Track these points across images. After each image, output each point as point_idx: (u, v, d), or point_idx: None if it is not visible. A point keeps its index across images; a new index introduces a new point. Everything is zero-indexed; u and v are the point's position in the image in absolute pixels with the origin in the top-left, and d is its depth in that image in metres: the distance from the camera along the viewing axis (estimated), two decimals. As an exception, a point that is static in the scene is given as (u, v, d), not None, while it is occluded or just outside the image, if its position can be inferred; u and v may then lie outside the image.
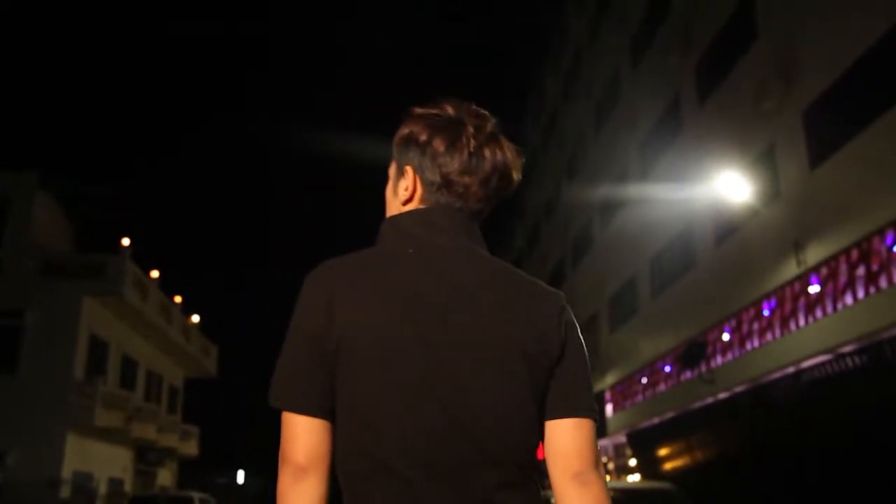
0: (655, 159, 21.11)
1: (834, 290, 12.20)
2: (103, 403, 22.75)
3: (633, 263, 22.62)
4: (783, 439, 13.91)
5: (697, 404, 17.64)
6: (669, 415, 19.41)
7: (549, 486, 1.51)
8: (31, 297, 22.84)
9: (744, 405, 15.64)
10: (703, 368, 16.93)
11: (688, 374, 17.86)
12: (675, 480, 18.14)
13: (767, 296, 14.29)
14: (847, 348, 12.06)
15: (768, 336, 14.31)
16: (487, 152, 1.55)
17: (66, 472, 22.02)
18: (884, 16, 11.49)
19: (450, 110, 1.59)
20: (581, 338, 1.56)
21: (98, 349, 24.56)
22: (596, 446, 1.50)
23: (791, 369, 13.68)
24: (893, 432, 10.79)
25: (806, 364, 13.22)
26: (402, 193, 1.59)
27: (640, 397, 21.62)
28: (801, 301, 13.18)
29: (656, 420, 20.33)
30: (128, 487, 26.56)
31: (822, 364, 12.81)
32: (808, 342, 12.90)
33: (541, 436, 1.48)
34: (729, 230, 16.25)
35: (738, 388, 15.65)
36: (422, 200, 1.57)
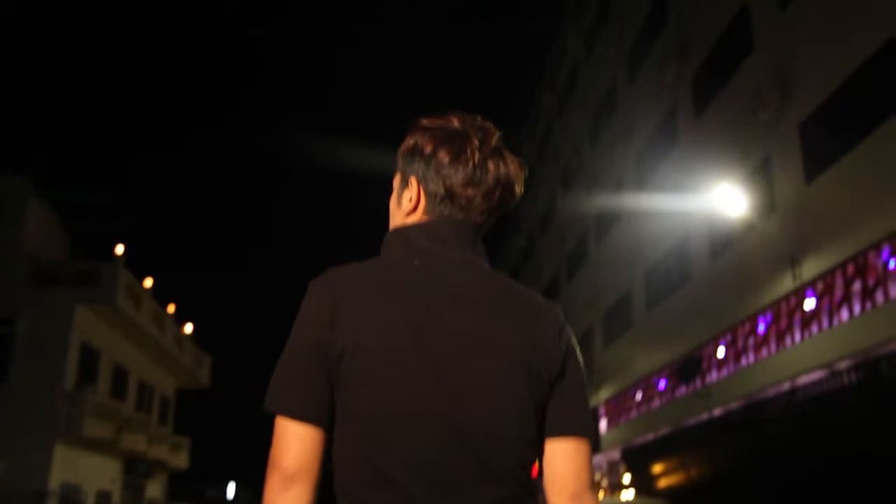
0: (651, 172, 21.03)
1: (830, 306, 12.08)
2: (93, 413, 22.53)
3: (628, 277, 22.52)
4: (778, 456, 13.77)
5: (692, 420, 17.49)
6: (664, 431, 19.26)
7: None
8: (22, 305, 22.67)
9: (739, 421, 15.50)
10: (698, 384, 16.79)
11: (682, 390, 17.72)
12: (670, 497, 18.02)
13: (763, 310, 14.17)
14: (843, 364, 11.93)
15: (764, 352, 14.18)
16: (491, 165, 1.56)
17: (54, 483, 21.77)
18: (879, 30, 11.43)
19: (455, 123, 1.60)
20: (580, 357, 1.58)
21: (89, 358, 24.35)
22: (591, 467, 1.53)
23: (786, 385, 13.56)
24: (889, 449, 10.66)
25: (801, 380, 13.10)
26: (406, 204, 1.60)
27: (634, 413, 21.46)
28: (797, 316, 13.06)
29: (651, 436, 20.18)
30: (116, 500, 26.31)
31: (818, 380, 12.68)
32: (804, 358, 12.78)
33: (538, 452, 1.49)
34: (724, 244, 16.15)
35: (733, 405, 15.51)
36: (425, 212, 1.57)
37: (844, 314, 11.69)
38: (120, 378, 27.13)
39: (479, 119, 1.62)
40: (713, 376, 16.22)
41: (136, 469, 27.73)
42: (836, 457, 12.03)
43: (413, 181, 1.59)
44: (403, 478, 1.35)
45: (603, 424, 24.27)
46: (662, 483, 19.77)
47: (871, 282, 11.06)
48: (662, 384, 19.19)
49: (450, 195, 1.55)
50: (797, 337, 13.03)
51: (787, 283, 13.36)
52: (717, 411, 16.22)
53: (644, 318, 21.28)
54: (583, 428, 1.52)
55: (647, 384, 20.35)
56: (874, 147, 11.38)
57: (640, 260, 21.51)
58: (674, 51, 19.45)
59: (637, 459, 21.71)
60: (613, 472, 25.20)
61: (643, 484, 21.03)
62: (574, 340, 1.57)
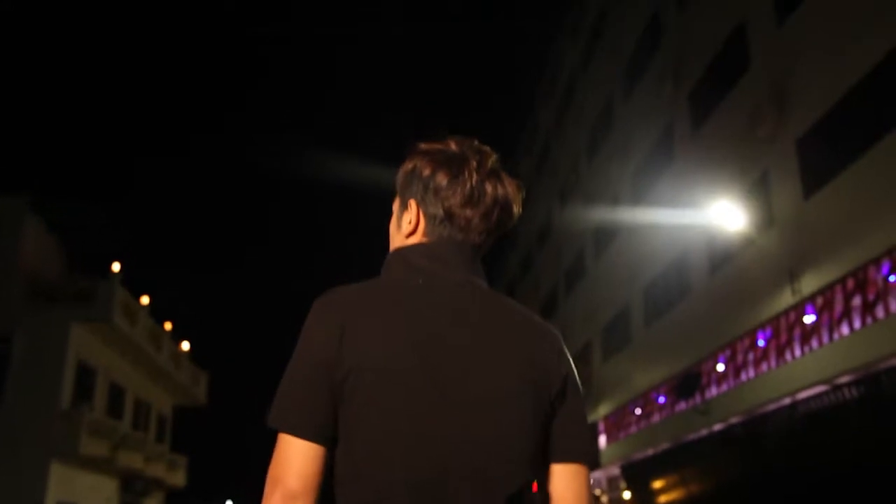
0: (649, 187, 21.04)
1: (830, 320, 12.06)
2: (89, 432, 22.41)
3: (627, 292, 22.49)
4: (779, 471, 13.72)
5: (692, 436, 17.42)
6: (664, 446, 19.18)
7: None
8: (18, 323, 22.61)
9: (739, 437, 15.45)
10: (698, 399, 16.73)
11: (682, 405, 17.66)
12: (669, 513, 17.96)
13: (762, 325, 14.14)
14: (843, 379, 11.89)
15: (763, 366, 14.14)
16: (489, 187, 1.59)
17: (50, 502, 21.61)
18: (877, 45, 11.45)
19: (453, 146, 1.63)
20: (578, 380, 1.60)
21: (85, 376, 24.25)
22: (590, 490, 1.56)
23: (787, 400, 13.51)
24: (891, 463, 10.61)
25: (802, 395, 13.05)
26: (406, 226, 1.62)
27: (633, 428, 21.38)
28: (797, 331, 13.03)
29: (650, 452, 20.10)
30: (113, 518, 26.14)
31: (819, 395, 12.64)
32: (804, 373, 12.74)
33: (539, 472, 1.50)
34: (723, 259, 16.13)
35: (733, 420, 15.46)
36: (425, 233, 1.60)
37: (845, 329, 11.66)
38: (116, 396, 27.01)
39: (476, 142, 1.65)
40: (713, 391, 16.17)
41: (133, 487, 27.56)
42: (837, 472, 11.98)
43: (412, 204, 1.62)
44: (404, 498, 1.36)
45: (602, 440, 24.17)
46: (662, 499, 19.68)
47: (871, 296, 11.04)
48: (662, 399, 19.13)
49: (449, 216, 1.57)
50: (797, 352, 13.00)
51: (786, 298, 13.34)
52: (717, 426, 16.17)
53: (643, 333, 21.24)
54: (586, 454, 1.55)
55: (647, 399, 20.29)
56: (873, 162, 11.39)
57: (638, 275, 21.49)
58: (671, 66, 19.50)
59: (637, 475, 21.62)
60: (613, 488, 25.10)
61: (643, 500, 20.94)
62: (572, 363, 1.60)
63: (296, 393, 1.42)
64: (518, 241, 42.56)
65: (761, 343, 14.19)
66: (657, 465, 19.90)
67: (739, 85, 15.85)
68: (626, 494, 22.69)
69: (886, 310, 10.68)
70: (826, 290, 12.16)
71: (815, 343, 12.47)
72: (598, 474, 25.91)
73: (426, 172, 1.60)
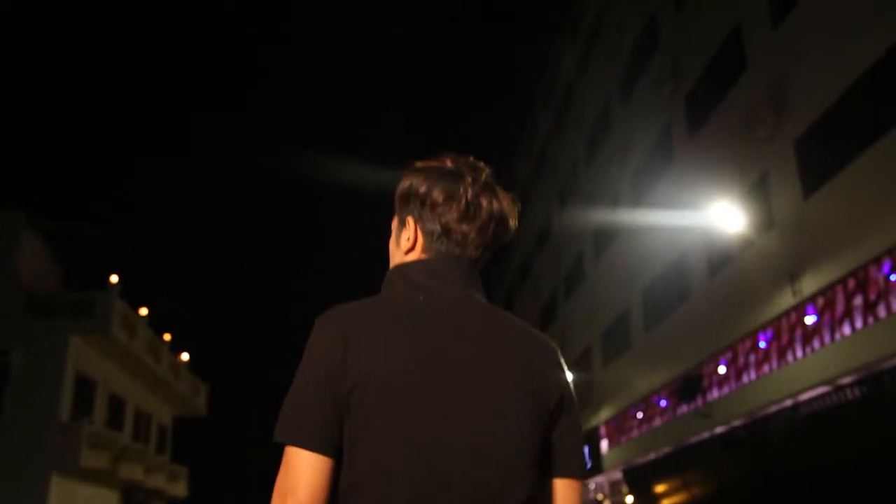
0: (648, 190, 21.03)
1: (831, 321, 12.02)
2: (89, 444, 22.38)
3: (626, 295, 22.45)
4: (782, 473, 13.67)
5: (694, 439, 17.37)
6: (665, 450, 19.13)
7: None
8: (16, 337, 22.62)
9: (741, 439, 15.40)
10: (699, 402, 16.68)
11: (683, 409, 17.61)
12: (673, 517, 17.90)
13: (763, 327, 14.10)
14: (846, 380, 11.85)
15: (765, 368, 14.10)
16: (484, 202, 1.62)
17: (51, 515, 21.58)
18: (875, 44, 11.44)
19: (448, 163, 1.67)
20: (574, 394, 1.63)
21: (85, 388, 24.23)
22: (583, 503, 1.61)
23: (789, 402, 13.47)
24: (894, 464, 10.57)
25: (804, 396, 13.01)
26: (405, 243, 1.66)
27: (635, 432, 21.32)
28: (798, 332, 12.99)
29: (652, 455, 20.04)
30: (115, 530, 26.05)
31: (821, 396, 12.60)
32: (806, 374, 12.70)
33: (537, 484, 1.52)
34: (723, 261, 16.10)
35: (735, 422, 15.41)
36: (423, 250, 1.64)
37: (846, 329, 11.62)
38: (116, 408, 26.98)
39: (471, 159, 1.69)
40: (714, 394, 16.12)
41: (133, 499, 27.51)
42: (840, 472, 11.94)
43: (410, 221, 1.66)
44: None
45: (604, 444, 24.10)
46: (665, 503, 19.62)
47: (872, 296, 11.00)
48: (663, 403, 19.07)
49: (446, 232, 1.61)
50: (799, 353, 12.96)
51: (787, 299, 13.31)
52: (719, 429, 16.12)
53: (643, 337, 21.20)
54: (581, 471, 1.59)
55: (648, 403, 20.24)
56: (872, 161, 11.37)
57: (637, 278, 21.46)
58: (669, 68, 19.51)
59: (638, 479, 21.56)
60: (615, 492, 25.02)
61: (646, 504, 20.89)
62: (569, 377, 1.63)
63: (302, 407, 1.44)
64: (517, 245, 42.54)
65: (762, 344, 14.14)
66: (659, 469, 19.84)
67: (737, 86, 15.85)
68: (629, 499, 22.61)
69: (888, 309, 10.64)
70: (827, 291, 12.12)
71: (816, 344, 12.43)
72: (600, 479, 25.84)
73: (422, 190, 1.63)
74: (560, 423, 1.57)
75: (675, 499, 19.05)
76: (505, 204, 1.67)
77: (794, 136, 13.50)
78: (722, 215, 14.52)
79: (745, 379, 14.85)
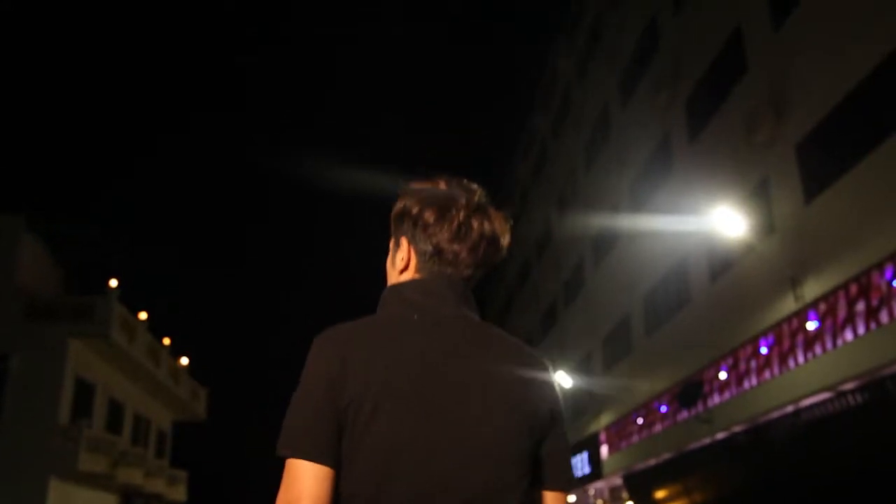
0: (647, 195, 20.98)
1: (833, 326, 11.96)
2: (88, 448, 22.35)
3: (627, 301, 22.41)
4: (783, 479, 13.61)
5: (694, 445, 17.31)
6: (666, 456, 19.06)
7: None
8: (16, 341, 22.61)
9: (742, 445, 15.34)
10: (700, 408, 16.63)
11: (684, 414, 17.55)
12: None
13: (765, 333, 14.05)
14: (848, 385, 11.80)
15: (766, 374, 14.04)
16: (475, 222, 1.67)
17: (49, 519, 21.53)
18: (875, 48, 11.41)
19: (441, 185, 1.71)
20: (563, 408, 1.67)
21: (84, 392, 24.21)
22: None
23: (790, 408, 13.41)
24: (897, 471, 10.52)
25: (805, 402, 12.95)
26: (399, 263, 1.71)
27: (635, 438, 21.26)
28: (800, 337, 12.94)
29: (652, 461, 19.98)
30: (113, 534, 25.98)
31: (823, 402, 12.54)
32: (808, 380, 12.64)
33: (526, 496, 1.56)
34: (724, 266, 16.06)
35: (737, 428, 15.35)
36: (417, 269, 1.68)
37: (848, 335, 11.56)
38: (115, 412, 26.94)
39: (464, 181, 1.73)
40: (715, 400, 16.07)
41: (133, 503, 27.44)
42: (842, 479, 11.88)
43: (404, 241, 1.71)
44: None
45: (604, 450, 24.04)
46: (666, 509, 19.56)
47: (874, 302, 10.95)
48: (664, 409, 19.02)
49: (438, 252, 1.66)
50: (800, 358, 12.90)
51: (788, 305, 13.26)
52: (719, 435, 16.06)
53: (644, 342, 21.16)
54: (568, 483, 1.64)
55: (648, 409, 20.18)
56: (874, 165, 11.33)
57: (638, 283, 21.42)
58: (667, 73, 19.47)
59: (639, 485, 21.49)
60: (615, 498, 24.97)
61: (646, 510, 20.81)
62: (559, 393, 1.67)
63: (302, 422, 1.49)
64: (516, 251, 42.48)
65: (764, 350, 14.09)
66: (659, 475, 19.78)
67: (736, 91, 15.82)
68: (629, 504, 22.57)
69: (890, 315, 10.59)
70: (829, 296, 12.07)
71: (818, 349, 12.38)
72: (600, 484, 25.78)
73: (415, 211, 1.68)
74: (549, 436, 1.61)
75: (676, 505, 18.99)
76: (497, 224, 1.71)
77: (796, 141, 13.46)
78: (722, 220, 14.44)
79: (746, 385, 14.80)
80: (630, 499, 22.47)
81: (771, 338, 13.88)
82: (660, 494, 20.03)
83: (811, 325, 12.46)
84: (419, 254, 1.68)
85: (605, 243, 25.13)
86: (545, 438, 1.60)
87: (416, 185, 1.74)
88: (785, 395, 13.34)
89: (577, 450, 26.85)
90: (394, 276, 1.74)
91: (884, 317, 10.72)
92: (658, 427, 19.50)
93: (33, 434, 21.63)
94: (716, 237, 15.11)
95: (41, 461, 21.43)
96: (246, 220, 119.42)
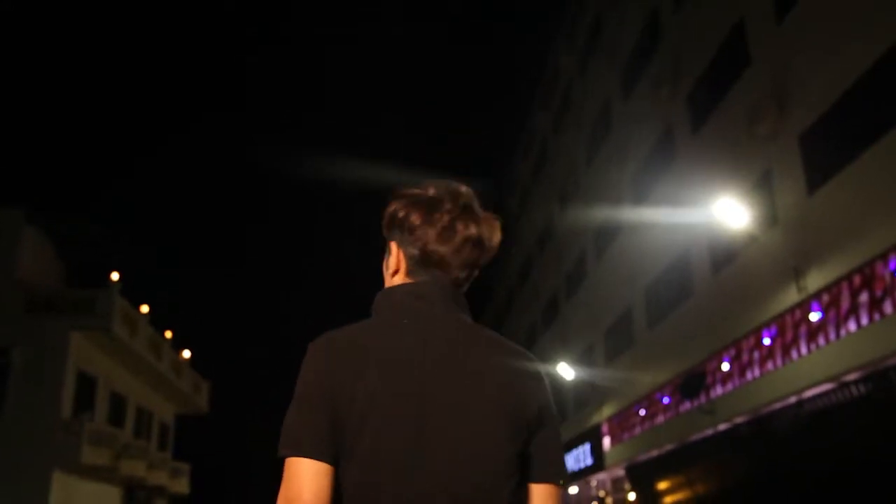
0: (649, 188, 20.94)
1: (836, 317, 11.94)
2: (90, 441, 22.38)
3: (629, 293, 22.39)
4: (786, 471, 13.60)
5: (697, 436, 17.31)
6: (668, 447, 19.07)
7: None
8: (17, 334, 22.60)
9: (745, 436, 15.33)
10: (703, 399, 16.62)
11: (687, 406, 17.55)
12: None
13: (767, 324, 14.03)
14: (851, 376, 11.79)
15: (769, 365, 14.03)
16: (459, 225, 1.70)
17: (52, 512, 21.57)
18: (879, 38, 11.36)
19: (429, 190, 1.74)
20: (554, 407, 1.71)
21: (86, 385, 24.22)
22: None
23: (793, 399, 13.40)
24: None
25: (809, 393, 12.95)
26: (391, 267, 1.75)
27: (638, 429, 21.27)
28: (803, 328, 12.92)
29: (655, 453, 19.99)
30: (116, 527, 26.03)
31: (826, 393, 12.53)
32: (811, 371, 12.63)
33: (517, 496, 1.61)
34: (726, 258, 16.02)
35: (739, 419, 15.35)
36: (407, 273, 1.73)
37: (852, 325, 11.54)
38: (118, 405, 26.96)
39: (453, 184, 1.77)
40: (718, 391, 16.06)
41: (136, 496, 27.52)
42: (845, 470, 11.87)
43: (393, 246, 1.75)
44: None
45: (606, 442, 24.06)
46: (668, 500, 19.57)
47: (878, 292, 10.93)
48: (666, 400, 19.01)
49: (424, 254, 1.69)
50: (803, 349, 12.89)
51: (791, 296, 13.24)
52: (722, 426, 16.06)
53: (646, 334, 21.14)
54: (558, 475, 1.67)
55: (651, 400, 20.18)
56: (878, 156, 11.29)
57: (640, 275, 21.39)
58: (669, 67, 19.41)
59: (641, 476, 21.51)
60: (618, 489, 24.99)
61: (648, 501, 20.83)
62: (550, 391, 1.70)
63: (300, 423, 1.53)
64: (518, 246, 42.43)
65: (767, 341, 14.07)
66: (662, 466, 19.79)
67: (739, 84, 15.76)
68: (631, 496, 22.57)
69: (894, 305, 10.57)
70: (832, 287, 12.04)
71: (821, 340, 12.36)
72: (602, 476, 25.80)
73: (401, 214, 1.72)
74: (539, 434, 1.64)
75: (678, 496, 19.00)
76: (484, 227, 1.74)
77: (799, 132, 13.42)
78: (725, 212, 14.41)
79: (748, 376, 14.79)
80: (632, 490, 22.49)
81: (774, 329, 13.86)
82: (662, 485, 20.05)
83: (814, 316, 12.44)
84: (408, 257, 1.72)
85: (606, 236, 25.10)
86: (533, 437, 1.63)
87: (404, 190, 1.77)
88: (788, 387, 13.33)
89: (579, 442, 26.87)
90: (388, 279, 1.78)
91: (888, 307, 10.70)
92: (660, 418, 19.51)
93: (36, 427, 21.66)
94: (718, 229, 15.09)
95: (44, 454, 21.46)
96: (247, 215, 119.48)
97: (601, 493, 26.78)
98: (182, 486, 32.08)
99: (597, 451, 24.81)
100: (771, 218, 14.22)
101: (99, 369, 25.03)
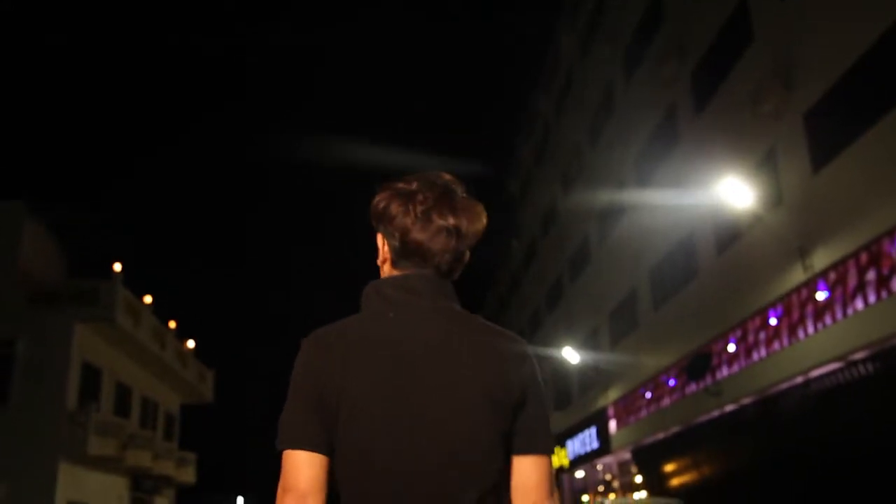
0: (653, 169, 20.83)
1: (843, 296, 11.87)
2: (96, 431, 22.42)
3: (633, 275, 22.31)
4: (793, 452, 13.56)
5: (703, 418, 17.28)
6: (675, 429, 19.05)
7: None
8: (21, 326, 22.60)
9: (751, 417, 15.30)
10: (709, 381, 16.57)
11: (693, 387, 17.51)
12: (682, 497, 17.82)
13: (773, 304, 13.97)
14: (858, 355, 11.73)
15: (775, 345, 13.97)
16: (434, 215, 1.71)
17: (60, 502, 21.62)
18: (882, 15, 11.24)
19: (411, 182, 1.77)
20: (541, 383, 1.74)
21: (91, 376, 24.23)
22: (552, 479, 1.71)
23: (800, 379, 13.35)
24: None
25: (815, 373, 12.90)
26: (380, 258, 1.81)
27: (644, 412, 21.25)
28: (809, 308, 12.85)
29: (661, 435, 19.97)
30: (123, 517, 26.11)
31: (833, 373, 12.48)
32: (817, 350, 12.57)
33: (506, 475, 1.67)
34: (731, 238, 15.94)
35: (746, 400, 15.31)
36: (392, 263, 1.77)
37: (859, 304, 11.47)
38: (123, 395, 26.98)
39: (434, 174, 1.79)
40: (724, 372, 16.01)
41: (142, 486, 27.57)
42: (852, 450, 11.83)
43: (379, 237, 1.81)
44: (388, 502, 1.56)
45: (612, 425, 24.04)
46: (674, 482, 19.56)
47: (885, 270, 10.85)
48: (672, 382, 18.97)
49: (403, 245, 1.72)
50: (810, 329, 12.82)
51: (797, 275, 13.16)
52: (728, 407, 16.02)
53: (651, 317, 21.08)
54: (543, 446, 1.69)
55: (656, 383, 20.15)
56: (883, 133, 11.19)
57: (644, 257, 21.31)
58: (672, 47, 19.25)
59: (648, 459, 21.51)
60: (624, 472, 25.01)
61: (655, 483, 20.83)
62: (536, 370, 1.73)
63: (294, 417, 1.61)
64: (521, 229, 42.31)
65: (773, 321, 14.01)
66: (668, 448, 19.77)
67: (742, 63, 15.64)
68: (638, 478, 22.58)
69: (901, 283, 10.49)
70: (839, 266, 11.97)
71: (828, 319, 12.29)
72: (609, 459, 25.81)
73: (382, 206, 1.76)
74: (523, 411, 1.68)
75: (685, 478, 18.98)
76: (462, 215, 1.73)
77: (803, 110, 13.31)
78: (729, 192, 14.29)
79: (755, 356, 14.74)
80: (639, 473, 22.50)
81: (780, 309, 13.80)
82: (668, 468, 20.04)
83: (821, 295, 12.37)
84: (391, 248, 1.76)
85: (610, 218, 25.00)
86: (518, 416, 1.67)
87: (387, 183, 1.80)
88: (794, 366, 13.27)
89: (585, 425, 26.87)
90: (381, 271, 1.83)
91: (895, 285, 10.62)
92: (666, 401, 19.48)
93: (42, 419, 21.69)
94: (723, 209, 14.98)
95: (50, 446, 21.50)
96: (251, 206, 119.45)
97: (608, 477, 26.81)
98: (188, 475, 32.14)
99: (603, 434, 24.80)
100: (776, 197, 14.13)
101: (103, 360, 25.04)
